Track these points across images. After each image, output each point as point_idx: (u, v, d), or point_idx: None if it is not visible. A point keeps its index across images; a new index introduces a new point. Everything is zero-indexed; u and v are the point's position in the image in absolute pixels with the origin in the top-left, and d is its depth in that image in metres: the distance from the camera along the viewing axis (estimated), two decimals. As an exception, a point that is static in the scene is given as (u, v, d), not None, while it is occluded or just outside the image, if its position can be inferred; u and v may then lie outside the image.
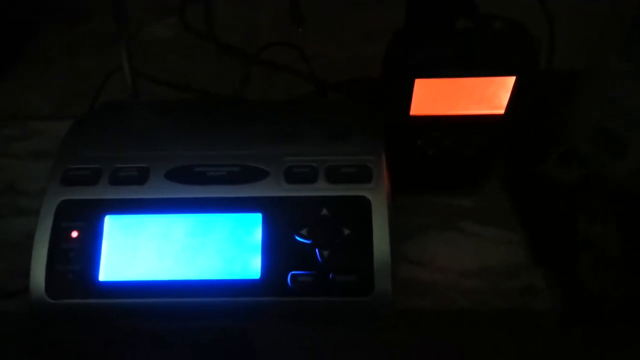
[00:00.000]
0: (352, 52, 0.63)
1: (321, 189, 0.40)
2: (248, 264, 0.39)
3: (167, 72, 0.60)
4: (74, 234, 0.39)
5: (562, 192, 0.46)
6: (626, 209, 0.45)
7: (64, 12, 0.70)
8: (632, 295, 0.42)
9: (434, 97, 0.40)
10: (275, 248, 0.39)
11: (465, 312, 0.44)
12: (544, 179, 0.47)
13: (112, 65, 0.51)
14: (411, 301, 0.44)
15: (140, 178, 0.40)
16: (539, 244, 0.47)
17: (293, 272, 0.38)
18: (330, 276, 0.38)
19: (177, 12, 0.68)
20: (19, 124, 0.58)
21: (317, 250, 0.38)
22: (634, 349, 0.42)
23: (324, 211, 0.39)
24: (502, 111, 0.41)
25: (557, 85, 0.49)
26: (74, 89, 0.61)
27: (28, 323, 0.43)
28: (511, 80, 0.38)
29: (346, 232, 0.39)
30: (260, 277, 0.38)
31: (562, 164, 0.47)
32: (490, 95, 0.40)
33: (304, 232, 0.39)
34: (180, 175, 0.41)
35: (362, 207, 0.39)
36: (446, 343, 0.44)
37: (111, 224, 0.39)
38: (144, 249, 0.39)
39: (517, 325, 0.45)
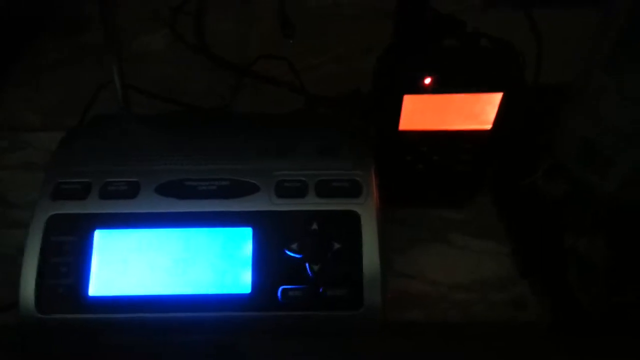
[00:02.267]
0: (346, 65, 0.64)
1: (311, 204, 0.40)
2: (238, 278, 0.39)
3: (159, 84, 0.60)
4: (64, 248, 0.39)
5: (550, 206, 0.47)
6: (612, 222, 0.45)
7: (59, 23, 0.71)
8: (619, 307, 0.43)
9: (423, 112, 0.41)
10: (265, 262, 0.39)
11: (455, 324, 0.45)
12: (531, 193, 0.48)
13: (105, 76, 0.51)
14: (402, 314, 0.44)
15: (131, 192, 0.40)
16: (527, 256, 0.47)
17: (283, 286, 0.38)
18: (321, 290, 0.38)
19: (169, 24, 0.69)
20: (9, 136, 0.58)
21: (307, 265, 0.39)
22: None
23: (314, 226, 0.39)
24: (489, 126, 0.41)
25: (545, 99, 0.49)
26: (66, 100, 0.61)
27: (17, 337, 0.42)
28: (498, 96, 0.39)
29: (336, 246, 0.39)
30: (251, 291, 0.38)
31: (549, 177, 0.48)
32: (478, 111, 0.40)
33: (294, 246, 0.39)
34: (171, 189, 0.41)
35: (351, 222, 0.40)
36: (436, 355, 0.44)
37: (101, 238, 0.39)
38: (134, 263, 0.39)
39: (507, 337, 0.45)
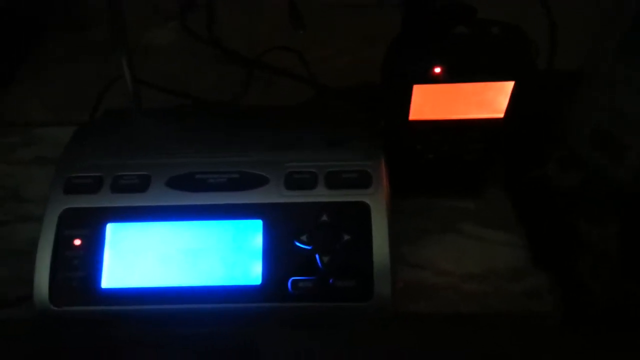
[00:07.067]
0: (354, 56, 0.63)
1: (321, 195, 0.40)
2: (249, 270, 0.39)
3: (168, 78, 0.60)
4: (77, 242, 0.39)
5: (562, 195, 0.47)
6: (625, 212, 0.45)
7: (65, 19, 0.71)
8: (631, 297, 0.42)
9: (433, 102, 0.40)
10: (275, 254, 0.39)
11: (466, 315, 0.44)
12: (544, 182, 0.48)
13: (113, 72, 0.51)
14: (412, 305, 0.44)
15: (142, 186, 0.41)
16: (540, 246, 0.47)
17: (294, 277, 0.38)
18: (331, 281, 0.38)
19: (178, 17, 0.69)
20: (21, 131, 0.59)
21: (317, 256, 0.39)
22: (634, 350, 0.42)
23: (324, 217, 0.39)
24: (501, 115, 0.41)
25: (557, 88, 0.49)
26: (75, 96, 0.61)
27: (31, 330, 0.43)
28: (510, 85, 0.38)
29: (346, 237, 0.39)
30: (262, 283, 0.38)
31: (562, 167, 0.47)
32: (489, 99, 0.40)
33: (304, 238, 0.39)
34: (181, 182, 0.41)
35: (361, 213, 0.39)
36: (448, 346, 0.44)
37: (113, 231, 0.40)
38: (146, 256, 0.39)
39: (519, 327, 0.45)
